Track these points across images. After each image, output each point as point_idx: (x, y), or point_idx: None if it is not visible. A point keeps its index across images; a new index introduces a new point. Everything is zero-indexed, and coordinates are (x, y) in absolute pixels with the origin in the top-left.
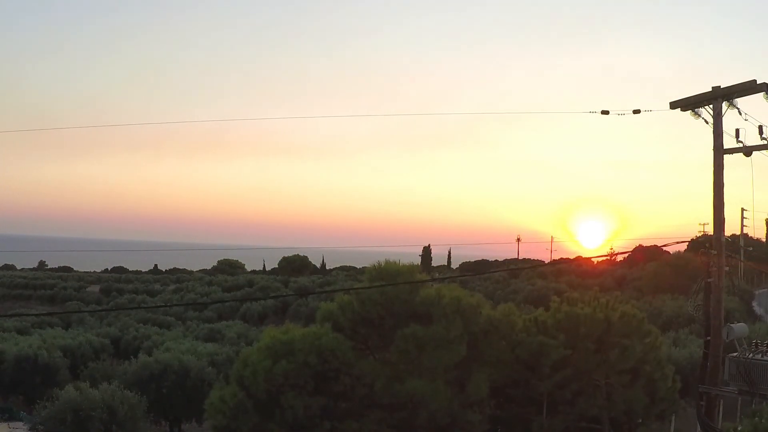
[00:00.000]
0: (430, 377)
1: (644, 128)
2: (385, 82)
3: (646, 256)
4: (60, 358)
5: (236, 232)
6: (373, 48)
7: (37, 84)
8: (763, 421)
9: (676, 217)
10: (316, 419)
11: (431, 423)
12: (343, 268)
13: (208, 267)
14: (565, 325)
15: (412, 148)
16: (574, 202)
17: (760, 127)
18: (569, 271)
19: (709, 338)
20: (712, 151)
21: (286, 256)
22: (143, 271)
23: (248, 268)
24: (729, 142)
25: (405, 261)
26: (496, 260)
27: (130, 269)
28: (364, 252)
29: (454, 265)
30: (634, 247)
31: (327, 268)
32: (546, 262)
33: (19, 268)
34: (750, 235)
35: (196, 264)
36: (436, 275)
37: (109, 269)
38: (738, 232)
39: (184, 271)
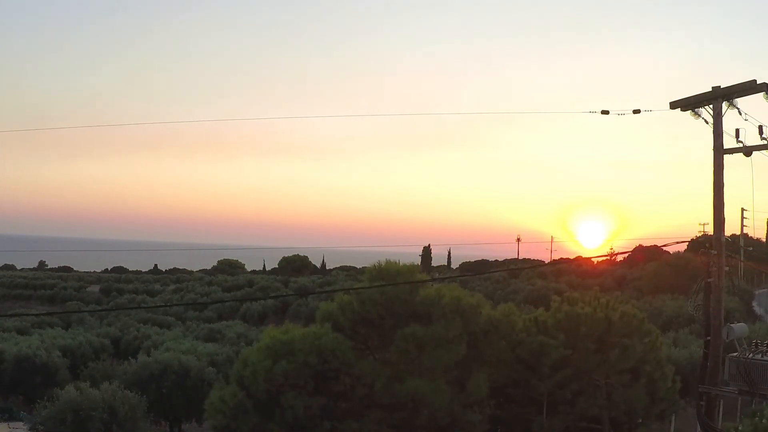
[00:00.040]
0: (430, 377)
1: (644, 128)
2: (385, 82)
3: (646, 256)
4: (60, 358)
5: (236, 232)
6: (373, 48)
7: (37, 84)
8: (763, 421)
9: (676, 217)
10: (316, 419)
11: (431, 423)
12: (343, 268)
13: (208, 267)
14: (566, 324)
15: (412, 148)
16: (574, 202)
17: (760, 127)
18: (569, 271)
19: (709, 338)
20: (712, 151)
21: (286, 256)
22: (143, 271)
23: (248, 268)
24: (729, 142)
25: (405, 261)
26: (496, 260)
27: (130, 269)
28: (364, 252)
29: (454, 265)
30: (634, 247)
31: (327, 268)
32: (546, 262)
33: (19, 268)
34: (750, 235)
35: (196, 264)
36: (436, 275)
37: (109, 269)
38: (738, 232)
39: (184, 271)
